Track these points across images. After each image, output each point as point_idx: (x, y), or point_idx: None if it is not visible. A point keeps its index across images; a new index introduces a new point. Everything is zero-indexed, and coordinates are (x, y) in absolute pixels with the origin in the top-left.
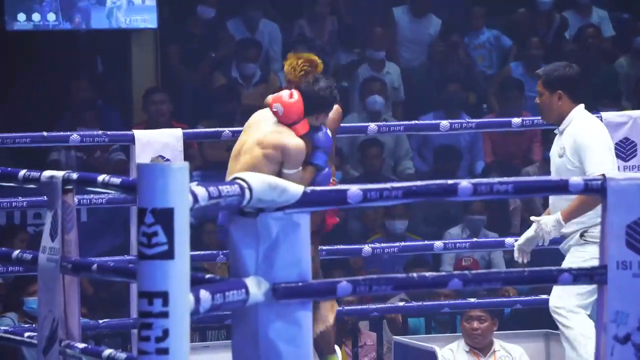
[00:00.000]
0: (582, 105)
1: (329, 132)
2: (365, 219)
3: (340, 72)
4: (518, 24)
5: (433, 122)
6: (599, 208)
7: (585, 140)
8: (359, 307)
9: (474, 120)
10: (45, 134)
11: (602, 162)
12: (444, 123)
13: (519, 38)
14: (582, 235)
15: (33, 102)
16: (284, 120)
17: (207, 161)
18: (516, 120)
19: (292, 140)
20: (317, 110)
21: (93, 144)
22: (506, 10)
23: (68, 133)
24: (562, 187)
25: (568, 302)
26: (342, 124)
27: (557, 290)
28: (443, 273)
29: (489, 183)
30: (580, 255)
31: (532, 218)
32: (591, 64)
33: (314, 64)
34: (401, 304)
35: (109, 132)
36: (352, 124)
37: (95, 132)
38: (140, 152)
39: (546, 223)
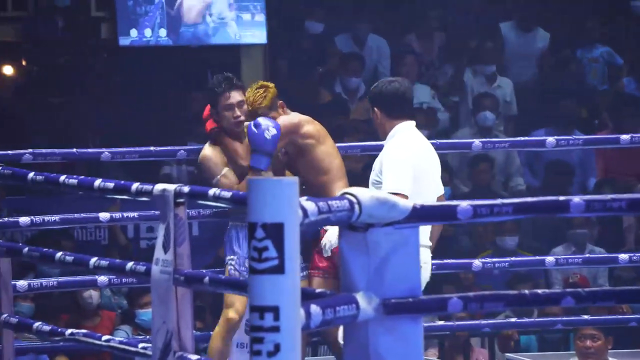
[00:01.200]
0: (404, 123)
1: (266, 132)
2: (475, 235)
3: (449, 86)
4: (618, 33)
5: (539, 138)
6: None
7: (387, 157)
8: (471, 322)
9: (582, 137)
10: (152, 148)
11: (396, 181)
12: (550, 139)
13: (625, 51)
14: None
15: (144, 116)
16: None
17: None
18: (625, 137)
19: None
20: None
21: None
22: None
23: (176, 148)
24: None
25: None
26: (451, 140)
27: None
28: (556, 290)
29: (602, 199)
30: None
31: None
32: None
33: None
34: (513, 319)
35: None
36: (459, 140)
37: (202, 146)
38: None
39: (332, 234)
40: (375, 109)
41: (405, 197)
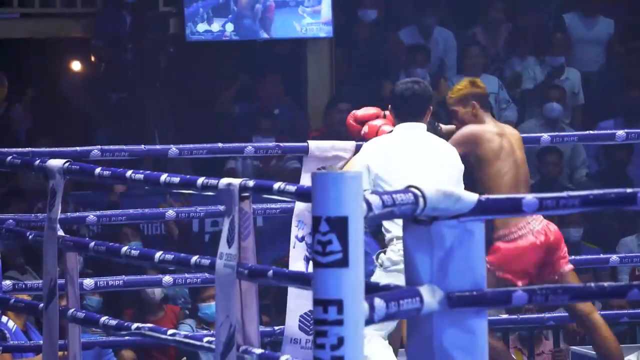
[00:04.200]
0: (401, 125)
1: None
2: None
3: (516, 77)
4: None
5: (608, 132)
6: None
7: None
8: (536, 315)
9: None
10: (221, 145)
11: None
12: (620, 133)
13: None
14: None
15: (210, 110)
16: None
17: None
18: None
19: None
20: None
21: (267, 155)
22: None
23: (243, 145)
24: None
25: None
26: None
27: None
28: (622, 283)
29: None
30: None
31: None
32: None
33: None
34: None
35: (282, 144)
36: (527, 134)
37: (269, 144)
38: (308, 162)
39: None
40: (390, 106)
41: None
